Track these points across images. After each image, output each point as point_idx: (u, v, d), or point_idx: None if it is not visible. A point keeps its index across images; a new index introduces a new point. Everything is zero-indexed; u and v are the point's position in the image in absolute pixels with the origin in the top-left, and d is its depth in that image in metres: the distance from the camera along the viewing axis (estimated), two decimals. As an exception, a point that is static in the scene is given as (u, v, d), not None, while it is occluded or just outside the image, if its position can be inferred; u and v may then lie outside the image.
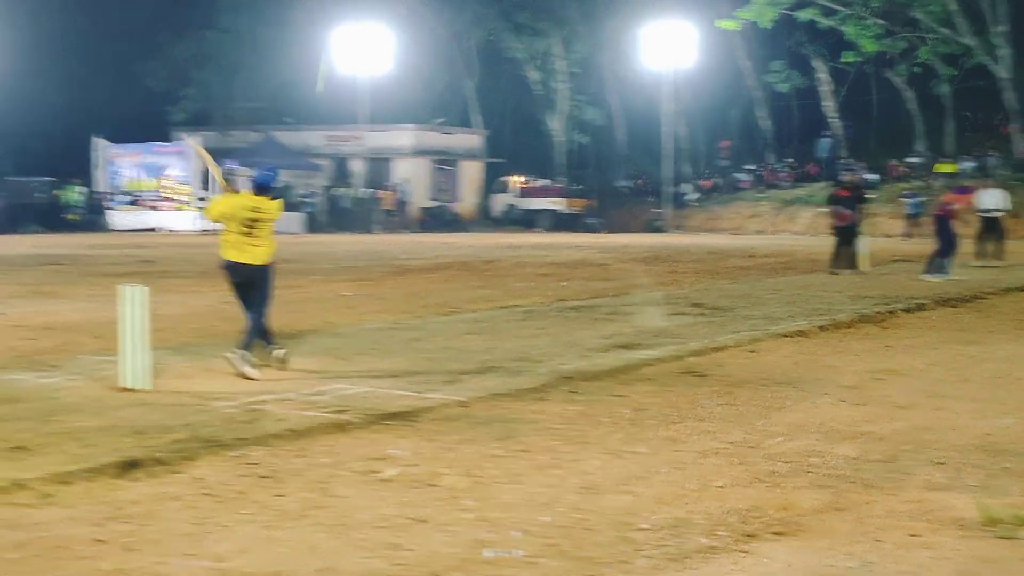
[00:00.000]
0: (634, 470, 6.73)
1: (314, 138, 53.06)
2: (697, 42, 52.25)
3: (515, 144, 61.11)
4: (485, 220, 53.34)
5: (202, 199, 44.15)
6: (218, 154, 48.06)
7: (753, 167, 54.27)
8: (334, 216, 49.16)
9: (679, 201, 53.25)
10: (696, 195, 54.21)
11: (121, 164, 46.67)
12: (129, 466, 6.58)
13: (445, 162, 53.87)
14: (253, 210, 10.05)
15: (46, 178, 46.82)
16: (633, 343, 12.13)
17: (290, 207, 47.88)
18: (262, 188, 10.29)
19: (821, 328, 13.56)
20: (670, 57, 52.20)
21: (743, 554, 5.20)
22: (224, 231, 10.09)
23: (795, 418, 8.33)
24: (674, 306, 15.99)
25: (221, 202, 10.40)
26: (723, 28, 49.37)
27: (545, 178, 55.74)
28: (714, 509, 5.88)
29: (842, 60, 50.63)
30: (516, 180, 54.11)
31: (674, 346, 11.91)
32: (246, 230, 9.97)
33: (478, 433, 7.68)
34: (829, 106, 53.32)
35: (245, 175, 45.84)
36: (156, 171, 46.12)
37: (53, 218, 45.41)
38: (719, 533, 5.48)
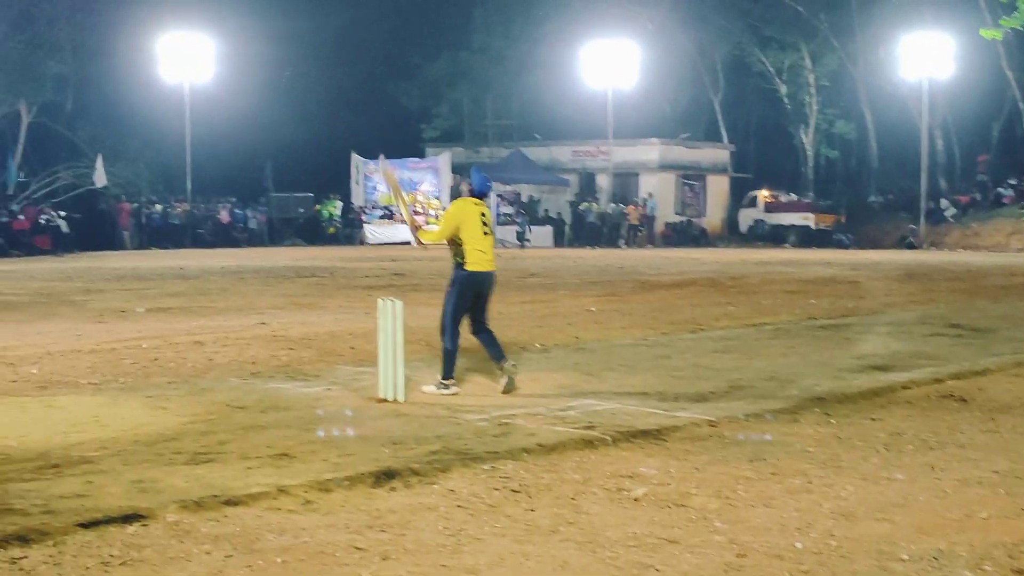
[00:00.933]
0: (891, 497, 6.50)
1: (561, 153, 53.61)
2: (954, 52, 50.25)
3: (762, 158, 60.21)
4: (732, 235, 52.72)
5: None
6: (468, 170, 49.41)
7: (1015, 182, 51.76)
8: (580, 230, 49.55)
9: (934, 217, 51.27)
10: (953, 211, 52.08)
11: (376, 179, 48.25)
12: (386, 476, 6.77)
13: (691, 177, 53.53)
14: (482, 213, 9.78)
15: (306, 193, 48.95)
16: (888, 364, 11.74)
17: (539, 221, 48.65)
18: (481, 195, 9.97)
19: (1093, 352, 12.81)
20: (926, 68, 50.37)
21: (1011, 591, 4.95)
22: (464, 243, 9.68)
23: (1066, 448, 7.89)
24: (931, 326, 15.40)
25: (453, 212, 9.89)
26: (985, 37, 47.30)
27: (793, 193, 54.69)
28: (978, 541, 5.62)
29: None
30: (764, 195, 53.25)
31: (932, 368, 11.46)
32: (486, 232, 9.74)
33: (728, 454, 7.57)
34: (1102, 117, 50.40)
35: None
36: (410, 186, 47.47)
37: (312, 232, 47.42)
38: (985, 568, 5.23)
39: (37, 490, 6.47)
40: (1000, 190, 51.72)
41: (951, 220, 51.50)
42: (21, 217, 39.36)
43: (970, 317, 16.83)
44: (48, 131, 44.31)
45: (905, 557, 5.36)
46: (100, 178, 41.56)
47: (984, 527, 5.88)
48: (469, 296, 9.78)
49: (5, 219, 38.81)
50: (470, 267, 9.71)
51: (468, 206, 9.83)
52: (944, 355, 12.49)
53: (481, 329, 10.01)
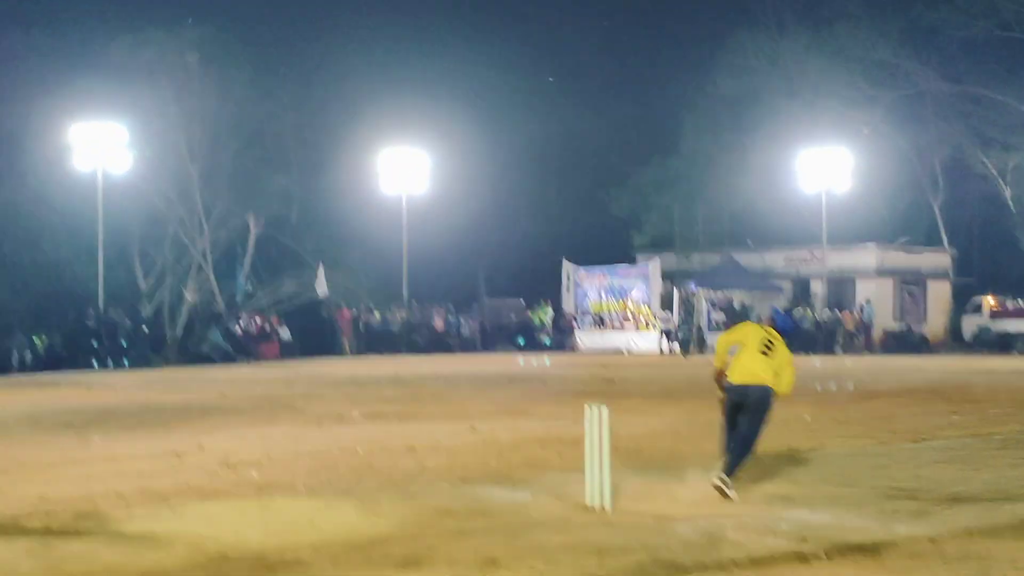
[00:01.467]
0: None
1: (774, 259, 52.88)
2: None
3: (985, 263, 58.04)
4: (954, 343, 50.79)
5: (666, 320, 45.04)
6: (678, 276, 49.26)
7: None
8: (795, 337, 48.59)
9: None
10: None
11: (587, 286, 48.52)
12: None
13: (910, 282, 51.99)
14: (769, 340, 10.32)
15: (518, 299, 49.60)
16: None
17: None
18: (781, 331, 10.57)
19: None
20: None
21: None
22: (736, 355, 10.35)
23: None
24: None
25: (737, 329, 10.89)
26: None
27: (1021, 299, 52.46)
28: None
29: None
30: (989, 301, 51.24)
31: None
32: (765, 350, 10.22)
33: (949, 572, 7.22)
34: None
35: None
36: (620, 293, 47.54)
37: (525, 338, 47.90)
38: None
39: (252, 591, 6.64)
40: None
41: None
42: (249, 326, 41.08)
43: None
44: (274, 242, 46.26)
45: None
46: (322, 287, 43.08)
47: None
48: (728, 404, 10.30)
49: (233, 327, 40.56)
50: (730, 378, 10.30)
51: (752, 328, 10.75)
52: None
53: (732, 437, 10.25)
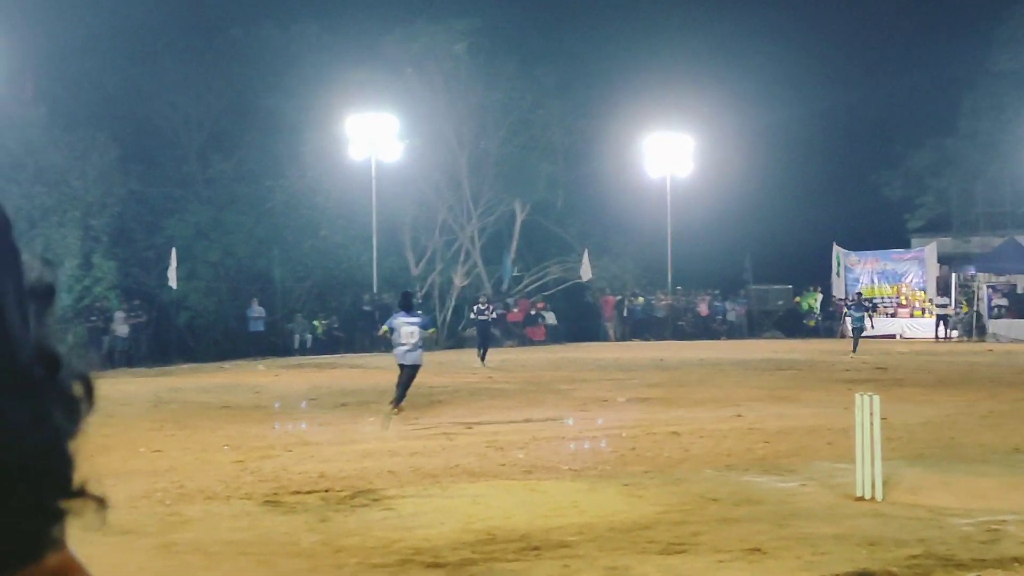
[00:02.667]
0: None
1: (1060, 242, 50.02)
2: None
3: None
4: None
5: (943, 306, 43.30)
6: (957, 260, 47.23)
7: None
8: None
9: None
10: None
11: (859, 271, 47.13)
12: (861, 578, 6.52)
13: None
14: None
15: (786, 285, 48.68)
16: None
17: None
18: None
19: None
20: None
21: None
22: None
23: None
24: None
25: None
26: None
27: None
28: None
29: None
30: None
31: None
32: None
33: None
34: None
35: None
36: (894, 278, 45.99)
37: (791, 324, 46.98)
38: None
39: (518, 571, 6.76)
40: None
41: None
42: (515, 310, 41.80)
43: None
44: (540, 228, 46.85)
45: None
46: (586, 272, 43.39)
47: None
48: None
49: (502, 311, 41.40)
50: None
51: None
52: None
53: None
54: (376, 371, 26.39)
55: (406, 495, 9.48)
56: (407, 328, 15.09)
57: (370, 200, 39.61)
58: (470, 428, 14.24)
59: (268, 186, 38.73)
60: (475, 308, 30.87)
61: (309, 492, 9.68)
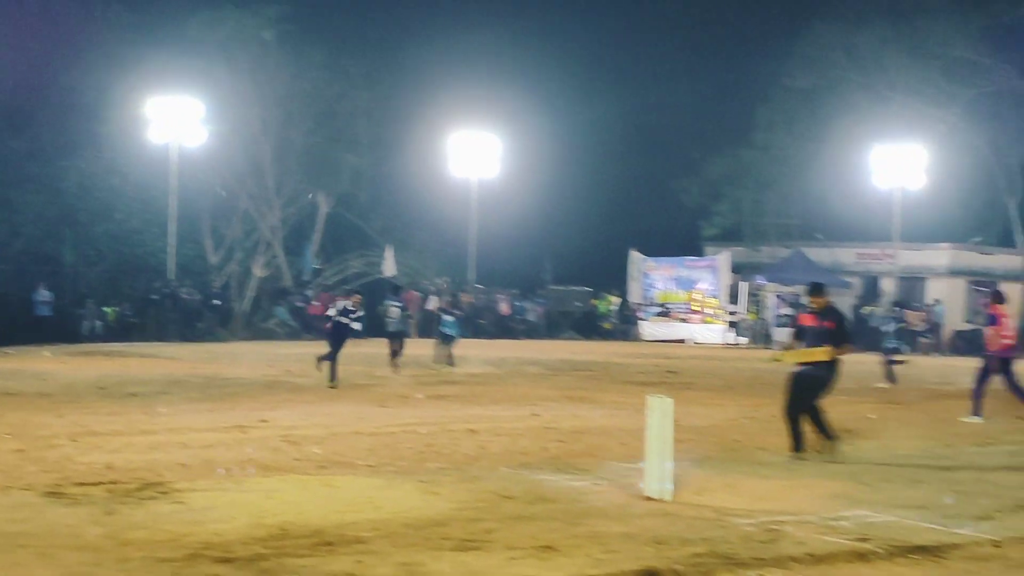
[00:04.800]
0: None
1: (844, 255, 52.28)
2: None
3: (1062, 266, 57.00)
4: (1025, 346, 49.98)
5: (732, 313, 44.80)
6: (747, 269, 48.87)
7: None
8: (863, 335, 47.99)
9: None
10: None
11: (655, 276, 48.31)
12: (648, 576, 6.69)
13: (983, 284, 51.19)
14: None
15: (584, 288, 49.54)
16: None
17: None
18: None
19: None
20: None
21: None
22: None
23: None
24: None
25: None
26: None
27: (1096, 303, 51.49)
28: None
29: None
30: (1062, 304, 50.36)
31: None
32: None
33: (1013, 577, 7.12)
34: None
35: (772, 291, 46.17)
36: (687, 284, 47.33)
37: (588, 326, 47.84)
38: None
39: (310, 566, 6.71)
40: None
41: None
42: (315, 303, 41.32)
43: None
44: (343, 221, 46.52)
45: None
46: (389, 267, 43.23)
47: None
48: None
49: (301, 304, 40.90)
50: None
51: None
52: None
53: None
54: (168, 360, 25.78)
55: (197, 488, 9.30)
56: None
57: (168, 185, 38.63)
58: (265, 422, 14.05)
59: (62, 166, 37.35)
60: (340, 307, 22.79)
61: (95, 484, 9.40)
